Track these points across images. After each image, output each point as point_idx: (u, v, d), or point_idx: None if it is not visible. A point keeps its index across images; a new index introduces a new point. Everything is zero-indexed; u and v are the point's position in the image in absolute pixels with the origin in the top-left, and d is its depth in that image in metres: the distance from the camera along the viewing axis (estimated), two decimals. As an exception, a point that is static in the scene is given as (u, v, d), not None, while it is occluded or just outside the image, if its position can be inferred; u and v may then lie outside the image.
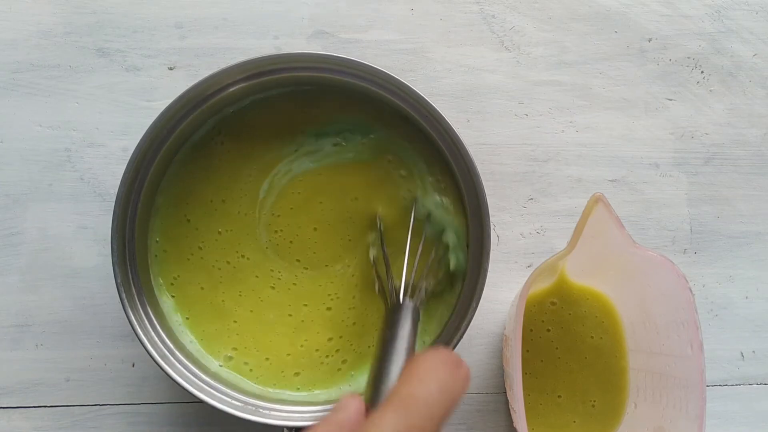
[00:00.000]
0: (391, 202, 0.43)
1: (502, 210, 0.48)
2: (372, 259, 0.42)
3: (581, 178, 0.48)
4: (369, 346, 0.42)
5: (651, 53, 0.50)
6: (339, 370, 0.42)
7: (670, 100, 0.49)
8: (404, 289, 0.38)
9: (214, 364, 0.42)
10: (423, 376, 0.27)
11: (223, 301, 0.43)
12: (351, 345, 0.43)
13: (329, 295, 0.43)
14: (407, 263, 0.40)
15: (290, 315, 0.43)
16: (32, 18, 0.48)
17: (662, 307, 0.40)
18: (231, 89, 0.41)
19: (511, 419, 0.45)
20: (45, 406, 0.45)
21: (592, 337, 0.45)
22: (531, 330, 0.45)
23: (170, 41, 0.48)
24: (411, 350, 0.34)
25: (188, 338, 0.42)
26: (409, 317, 0.36)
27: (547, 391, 0.44)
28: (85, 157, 0.47)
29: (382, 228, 0.42)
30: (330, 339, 0.43)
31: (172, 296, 0.42)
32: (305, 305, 0.43)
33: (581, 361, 0.44)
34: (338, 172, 0.43)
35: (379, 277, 0.41)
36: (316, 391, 0.42)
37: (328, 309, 0.43)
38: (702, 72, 0.50)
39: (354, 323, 0.43)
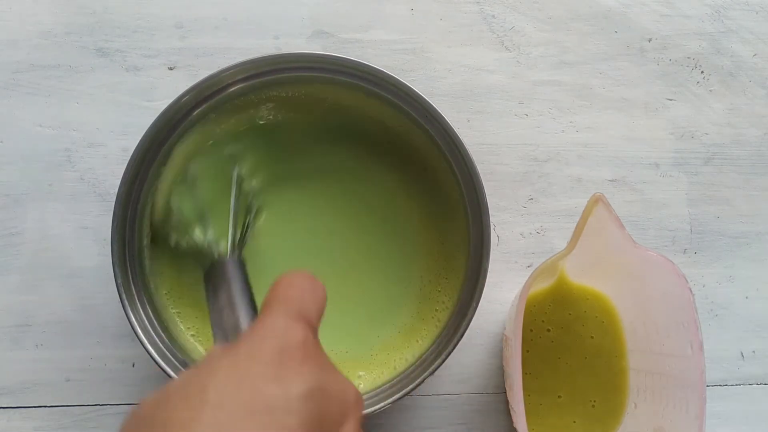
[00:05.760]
0: None
1: (502, 210, 0.48)
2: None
3: (581, 178, 0.48)
4: (372, 347, 0.43)
5: (651, 53, 0.50)
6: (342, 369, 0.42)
7: (670, 100, 0.49)
8: (234, 243, 0.38)
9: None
10: (289, 283, 0.27)
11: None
12: (357, 342, 0.43)
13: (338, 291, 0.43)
14: (233, 217, 0.39)
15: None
16: (32, 18, 0.48)
17: (662, 307, 0.40)
18: (231, 89, 0.41)
19: (511, 419, 0.45)
20: (45, 406, 0.45)
21: (592, 337, 0.44)
22: (531, 330, 0.44)
23: (170, 41, 0.48)
24: (252, 304, 0.34)
25: (188, 337, 0.42)
26: (241, 270, 0.36)
27: (547, 391, 0.44)
28: (85, 157, 0.47)
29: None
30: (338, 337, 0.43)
31: (171, 296, 0.42)
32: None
33: (581, 361, 0.44)
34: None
35: (197, 233, 0.39)
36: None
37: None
38: (702, 72, 0.50)
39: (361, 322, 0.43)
